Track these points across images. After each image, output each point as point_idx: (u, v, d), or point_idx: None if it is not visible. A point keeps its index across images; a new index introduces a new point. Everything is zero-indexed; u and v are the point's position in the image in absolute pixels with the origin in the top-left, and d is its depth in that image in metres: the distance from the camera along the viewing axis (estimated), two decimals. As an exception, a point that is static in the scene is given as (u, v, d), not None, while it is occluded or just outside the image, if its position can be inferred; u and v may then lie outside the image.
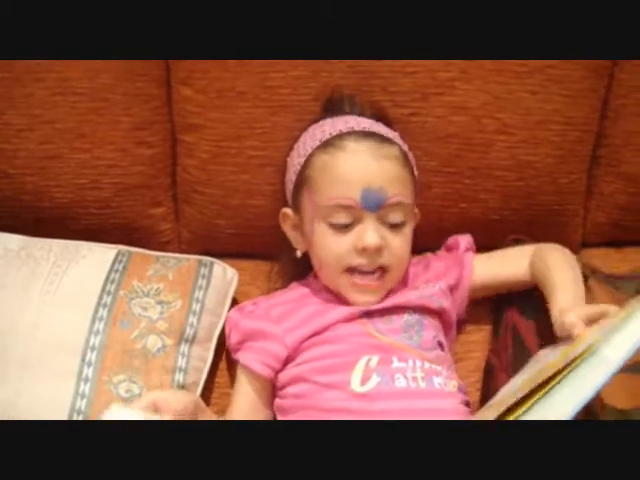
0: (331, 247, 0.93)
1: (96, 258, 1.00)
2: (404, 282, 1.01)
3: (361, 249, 0.91)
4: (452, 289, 1.03)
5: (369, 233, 0.91)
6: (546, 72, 1.04)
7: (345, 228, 0.92)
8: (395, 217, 0.93)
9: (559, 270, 0.96)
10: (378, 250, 0.91)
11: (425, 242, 1.08)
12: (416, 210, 1.01)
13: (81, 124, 1.05)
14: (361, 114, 0.98)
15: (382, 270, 0.93)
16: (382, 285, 0.94)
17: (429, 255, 1.08)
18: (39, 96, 1.04)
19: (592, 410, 0.87)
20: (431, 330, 0.97)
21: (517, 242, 1.07)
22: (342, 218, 0.92)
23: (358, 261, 0.92)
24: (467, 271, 1.03)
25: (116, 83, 1.05)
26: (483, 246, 1.09)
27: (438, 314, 0.99)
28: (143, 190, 1.10)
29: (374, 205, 0.91)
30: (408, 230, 0.95)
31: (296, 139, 1.02)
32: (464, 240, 1.06)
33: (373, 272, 0.93)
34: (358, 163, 0.93)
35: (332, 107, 1.00)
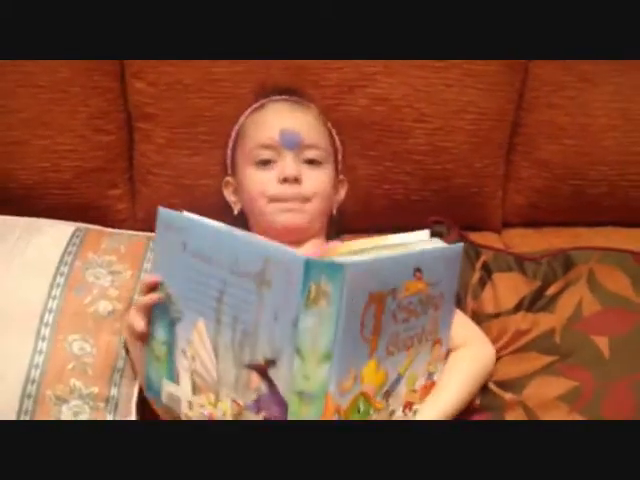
0: (257, 181, 1.12)
1: (56, 233, 1.15)
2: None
3: (282, 179, 1.10)
4: None
5: (287, 164, 1.10)
6: (462, 67, 1.20)
7: (268, 164, 1.12)
8: (311, 154, 1.12)
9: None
10: (297, 180, 1.10)
11: (356, 223, 1.25)
12: (342, 177, 1.19)
13: (43, 113, 1.20)
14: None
15: (304, 199, 1.11)
16: (303, 208, 1.11)
17: None
18: (3, 88, 1.19)
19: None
20: None
21: (437, 223, 1.21)
22: (265, 155, 1.12)
23: (279, 190, 1.11)
24: None
25: (74, 77, 1.20)
26: (406, 226, 1.23)
27: None
28: (101, 173, 1.26)
29: (291, 143, 1.11)
30: (325, 171, 1.14)
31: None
32: None
33: (295, 199, 1.11)
34: (276, 113, 1.15)
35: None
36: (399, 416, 0.96)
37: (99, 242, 1.16)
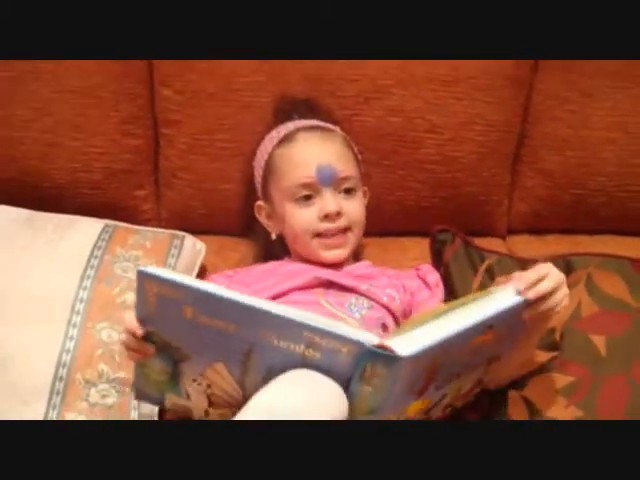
0: (300, 219, 1.18)
1: (87, 229, 1.25)
2: (366, 274, 1.22)
3: (324, 216, 1.16)
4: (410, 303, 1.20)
5: (328, 201, 1.16)
6: (470, 82, 1.29)
7: (308, 200, 1.17)
8: (346, 185, 1.18)
9: None
10: (338, 214, 1.17)
11: (369, 226, 1.30)
12: (365, 188, 1.26)
13: (76, 117, 1.29)
14: (302, 118, 1.23)
15: (345, 230, 1.18)
16: (346, 241, 1.19)
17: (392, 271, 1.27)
18: (40, 93, 1.28)
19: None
20: (377, 312, 1.15)
21: (443, 231, 1.29)
22: (304, 193, 1.17)
23: (324, 226, 1.17)
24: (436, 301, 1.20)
25: (106, 83, 1.29)
26: (417, 230, 1.35)
27: (386, 308, 1.16)
28: (129, 175, 1.35)
29: (328, 178, 1.16)
30: (359, 196, 1.21)
31: (258, 134, 1.26)
32: (433, 275, 1.24)
33: (338, 233, 1.18)
34: (309, 148, 1.19)
35: (280, 115, 1.25)
36: (437, 414, 1.01)
37: (126, 238, 1.25)
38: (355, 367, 0.86)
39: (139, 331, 0.93)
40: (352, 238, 1.20)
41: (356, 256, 1.27)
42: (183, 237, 1.29)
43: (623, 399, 1.10)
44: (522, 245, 1.39)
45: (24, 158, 1.31)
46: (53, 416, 1.09)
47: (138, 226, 1.31)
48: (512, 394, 1.12)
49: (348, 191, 1.19)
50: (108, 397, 1.11)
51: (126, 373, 1.12)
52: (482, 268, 1.25)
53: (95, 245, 1.22)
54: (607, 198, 1.35)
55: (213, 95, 1.29)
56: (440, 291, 1.21)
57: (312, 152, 1.19)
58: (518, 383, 1.13)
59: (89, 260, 1.20)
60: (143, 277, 0.89)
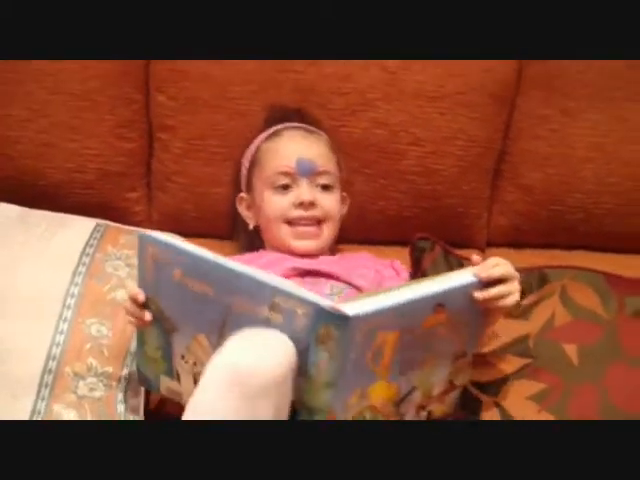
0: (275, 204, 1.25)
1: (79, 227, 1.29)
2: (341, 260, 1.30)
3: (298, 203, 1.23)
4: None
5: (303, 190, 1.24)
6: (455, 98, 1.34)
7: (285, 189, 1.25)
8: (323, 180, 1.25)
9: None
10: (312, 204, 1.23)
11: (352, 234, 1.38)
12: (344, 194, 1.32)
13: (73, 119, 1.34)
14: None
15: (317, 221, 1.25)
16: (318, 233, 1.25)
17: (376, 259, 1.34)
18: (39, 94, 1.32)
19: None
20: (351, 294, 1.20)
21: (423, 239, 1.33)
22: (282, 181, 1.25)
23: (296, 213, 1.24)
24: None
25: (103, 87, 1.34)
26: (398, 240, 1.39)
27: (359, 289, 1.23)
28: (121, 177, 1.39)
29: (306, 170, 1.24)
30: (335, 193, 1.27)
31: (249, 140, 1.32)
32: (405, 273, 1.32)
33: (311, 224, 1.24)
34: (292, 142, 1.28)
35: (272, 122, 1.31)
36: (411, 416, 1.05)
37: (118, 237, 1.29)
38: (311, 331, 0.92)
39: (140, 296, 1.03)
40: (326, 231, 1.27)
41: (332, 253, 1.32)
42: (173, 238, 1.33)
43: (593, 406, 1.15)
44: (500, 257, 1.41)
45: (20, 157, 1.35)
46: (41, 408, 1.12)
47: (129, 226, 1.35)
48: (485, 399, 1.17)
49: (325, 187, 1.27)
50: (96, 390, 1.15)
51: (114, 368, 1.16)
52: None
53: (87, 243, 1.26)
54: (584, 215, 1.40)
55: (207, 102, 1.34)
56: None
57: (295, 146, 1.28)
58: (491, 389, 1.18)
59: (81, 257, 1.24)
60: (143, 241, 1.02)
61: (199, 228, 1.41)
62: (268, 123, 1.32)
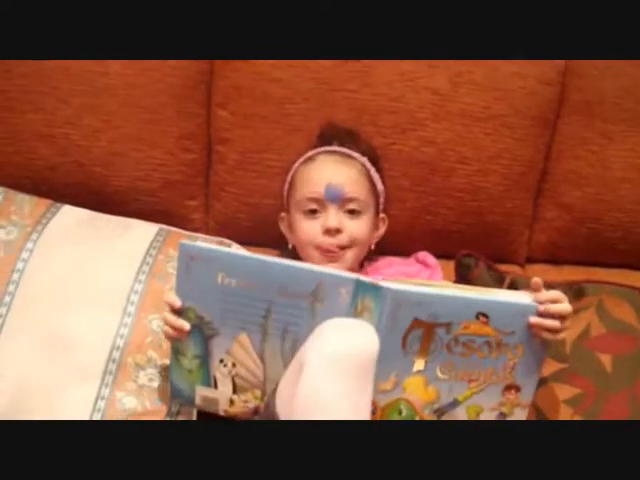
0: (304, 229, 1.33)
1: (143, 231, 1.39)
2: (370, 273, 1.36)
3: (325, 230, 1.30)
4: None
5: (331, 217, 1.30)
6: (500, 119, 1.43)
7: (313, 214, 1.32)
8: (352, 205, 1.31)
9: None
10: (338, 231, 1.30)
11: (399, 246, 1.47)
12: (383, 215, 1.40)
13: (140, 131, 1.44)
14: (342, 145, 1.37)
15: (343, 247, 1.31)
16: (342, 256, 1.32)
17: (396, 259, 1.44)
18: (111, 106, 1.43)
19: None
20: None
21: (467, 256, 1.41)
22: (311, 206, 1.32)
23: (325, 241, 1.31)
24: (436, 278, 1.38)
25: (170, 102, 1.44)
26: (444, 254, 1.46)
27: None
28: (183, 186, 1.49)
29: (334, 196, 1.30)
30: (364, 219, 1.33)
31: (302, 155, 1.40)
32: (432, 258, 1.41)
33: (337, 249, 1.31)
34: (323, 168, 1.34)
35: (323, 140, 1.39)
36: None
37: (178, 241, 1.37)
38: (351, 306, 1.02)
39: (177, 303, 1.12)
40: (350, 255, 1.33)
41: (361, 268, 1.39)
42: (230, 245, 1.43)
43: (625, 414, 1.22)
44: (539, 273, 1.46)
45: (91, 164, 1.45)
46: (105, 393, 1.21)
47: (189, 232, 1.45)
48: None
49: (353, 212, 1.32)
50: (154, 380, 1.24)
51: (171, 361, 1.26)
52: (506, 283, 1.37)
53: (151, 245, 1.36)
54: (623, 233, 1.48)
55: (265, 118, 1.44)
56: (439, 271, 1.37)
57: (325, 172, 1.34)
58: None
59: (145, 258, 1.34)
60: (184, 249, 1.10)
61: (252, 237, 1.50)
62: (320, 140, 1.40)
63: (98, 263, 1.32)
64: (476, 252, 1.42)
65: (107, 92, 1.42)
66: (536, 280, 1.09)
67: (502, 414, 1.12)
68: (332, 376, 0.96)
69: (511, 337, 1.07)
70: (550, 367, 1.26)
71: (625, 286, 1.37)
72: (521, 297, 1.09)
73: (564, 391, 1.24)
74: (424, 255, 1.40)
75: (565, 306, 1.09)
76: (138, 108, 1.44)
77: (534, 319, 1.06)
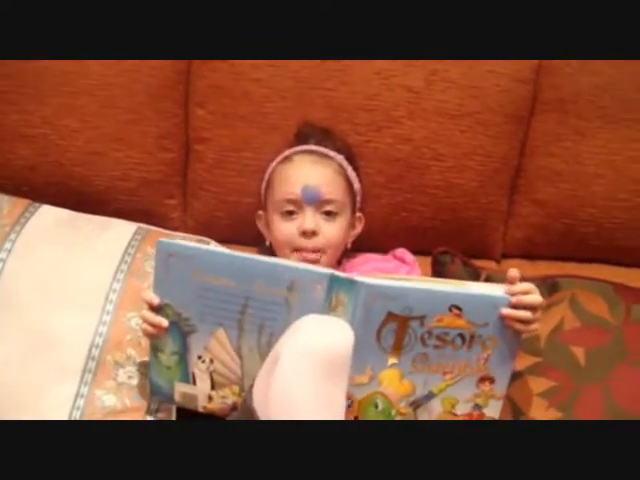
0: (281, 231, 1.34)
1: (122, 230, 1.40)
2: (347, 270, 1.38)
3: (302, 232, 1.31)
4: None
5: (307, 219, 1.31)
6: (474, 117, 1.45)
7: (290, 215, 1.33)
8: (328, 207, 1.32)
9: None
10: (314, 233, 1.31)
11: (375, 243, 1.48)
12: (359, 214, 1.41)
13: (119, 130, 1.46)
14: (318, 144, 1.37)
15: (320, 250, 1.32)
16: (320, 260, 1.32)
17: (374, 255, 1.45)
18: (91, 107, 1.44)
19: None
20: None
21: (443, 253, 1.44)
22: (288, 208, 1.33)
23: (301, 243, 1.32)
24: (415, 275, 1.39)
25: (149, 101, 1.45)
26: (420, 250, 1.48)
27: None
28: (161, 185, 1.51)
29: (311, 198, 1.31)
30: (340, 220, 1.34)
31: (280, 153, 1.41)
32: (410, 255, 1.43)
33: (313, 252, 1.32)
34: (300, 168, 1.35)
35: (300, 138, 1.40)
36: None
37: (157, 240, 1.39)
38: (326, 301, 1.05)
39: (156, 300, 1.14)
40: (324, 259, 1.34)
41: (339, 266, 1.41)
42: (208, 243, 1.44)
43: (599, 406, 1.24)
44: (515, 268, 1.50)
45: (70, 164, 1.46)
46: (84, 391, 1.22)
47: (168, 230, 1.46)
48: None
49: (329, 213, 1.33)
50: (133, 378, 1.25)
51: (150, 358, 1.27)
52: (482, 279, 1.40)
53: (129, 244, 1.37)
54: (596, 228, 1.50)
55: (243, 117, 1.45)
56: (417, 267, 1.38)
57: (302, 172, 1.34)
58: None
59: (123, 257, 1.35)
60: (161, 247, 1.12)
61: (231, 235, 1.51)
62: (297, 138, 1.41)
63: (77, 262, 1.33)
64: (452, 248, 1.44)
65: (86, 92, 1.44)
66: (512, 272, 1.12)
67: (477, 406, 1.13)
68: (305, 371, 0.98)
69: (484, 329, 1.09)
70: (525, 361, 1.28)
71: (598, 280, 1.40)
72: (494, 289, 1.11)
73: (539, 384, 1.26)
74: (402, 252, 1.42)
75: (536, 297, 1.11)
76: (117, 108, 1.45)
77: (506, 311, 1.09)
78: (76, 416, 1.20)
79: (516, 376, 1.26)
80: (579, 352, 1.28)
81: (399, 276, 1.19)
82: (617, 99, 1.46)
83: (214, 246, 1.44)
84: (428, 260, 1.46)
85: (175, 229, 1.52)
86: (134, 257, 1.35)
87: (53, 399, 1.21)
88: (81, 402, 1.22)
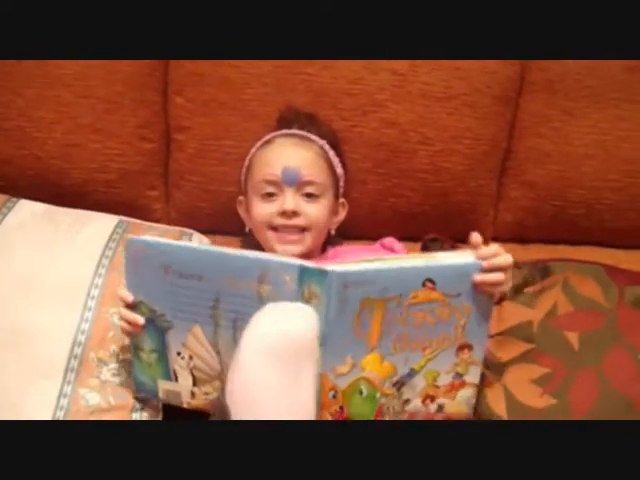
0: (260, 211, 1.32)
1: (103, 223, 1.37)
2: (332, 257, 1.36)
3: (282, 212, 1.29)
4: None
5: (287, 200, 1.29)
6: (461, 98, 1.42)
7: (270, 197, 1.31)
8: (309, 189, 1.30)
9: None
10: (295, 213, 1.29)
11: (363, 230, 1.47)
12: (342, 200, 1.39)
13: (97, 121, 1.42)
14: (301, 129, 1.35)
15: (301, 229, 1.30)
16: (301, 239, 1.31)
17: (360, 246, 1.44)
18: (67, 97, 1.41)
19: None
20: None
21: (433, 240, 1.41)
22: (268, 189, 1.30)
23: (279, 221, 1.30)
24: None
25: (126, 90, 1.42)
26: (408, 236, 1.46)
27: None
28: (142, 176, 1.47)
29: (291, 179, 1.29)
30: (322, 202, 1.32)
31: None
32: (398, 244, 1.40)
33: (294, 232, 1.30)
34: (280, 150, 1.33)
35: (283, 124, 1.37)
36: (417, 405, 1.13)
37: (139, 233, 1.37)
38: (298, 293, 1.01)
39: (130, 298, 1.12)
40: (309, 238, 1.32)
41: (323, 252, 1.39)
42: (191, 234, 1.42)
43: (593, 390, 1.22)
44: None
45: (47, 157, 1.43)
46: (68, 390, 1.19)
47: (150, 223, 1.43)
48: (492, 381, 1.24)
49: (310, 195, 1.31)
50: (118, 375, 1.22)
51: (135, 355, 1.24)
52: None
53: (110, 238, 1.34)
54: (586, 210, 1.48)
55: (223, 104, 1.42)
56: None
57: (282, 154, 1.32)
58: (498, 369, 1.25)
59: (104, 251, 1.32)
60: (131, 244, 1.10)
61: (214, 225, 1.49)
62: (280, 125, 1.39)
63: (57, 258, 1.29)
64: (441, 235, 1.42)
65: (61, 82, 1.40)
66: (475, 237, 1.11)
67: (458, 374, 1.13)
68: (262, 362, 0.95)
69: (458, 298, 1.08)
70: (518, 348, 1.26)
71: (590, 262, 1.38)
72: (463, 257, 1.10)
73: (532, 371, 1.24)
74: (391, 241, 1.39)
75: (507, 257, 1.11)
76: (94, 98, 1.41)
77: (479, 277, 1.08)
78: (60, 416, 1.17)
79: (509, 363, 1.25)
80: (573, 337, 1.26)
81: (368, 257, 1.17)
82: (604, 78, 1.44)
83: (197, 237, 1.43)
84: (417, 246, 1.44)
85: (157, 221, 1.49)
86: (115, 251, 1.32)
87: (34, 399, 1.17)
88: (65, 402, 1.18)
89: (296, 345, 0.97)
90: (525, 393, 1.23)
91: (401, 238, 1.46)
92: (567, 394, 1.21)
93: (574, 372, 1.23)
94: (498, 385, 1.24)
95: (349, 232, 1.43)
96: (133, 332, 1.14)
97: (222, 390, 1.04)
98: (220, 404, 1.05)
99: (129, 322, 1.13)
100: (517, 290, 1.32)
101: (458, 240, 1.42)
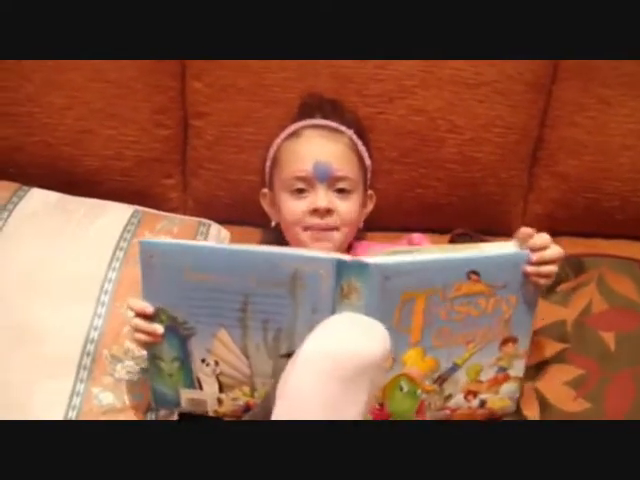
0: (291, 209, 1.25)
1: (117, 214, 1.32)
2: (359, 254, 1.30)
3: (313, 210, 1.23)
4: None
5: (320, 197, 1.23)
6: (492, 85, 1.36)
7: (301, 193, 1.24)
8: (341, 184, 1.24)
9: None
10: (328, 211, 1.23)
11: (388, 221, 1.41)
12: (370, 192, 1.33)
13: (110, 106, 1.37)
14: (325, 117, 1.28)
15: (334, 227, 1.24)
16: (335, 236, 1.25)
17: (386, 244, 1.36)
18: (77, 82, 1.35)
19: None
20: None
21: (461, 235, 1.36)
22: (299, 185, 1.24)
23: (313, 221, 1.24)
24: None
25: (140, 75, 1.36)
26: (435, 228, 1.41)
27: None
28: (158, 163, 1.42)
29: (323, 175, 1.23)
30: (354, 198, 1.26)
31: (283, 128, 1.31)
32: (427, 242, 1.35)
33: (327, 229, 1.24)
34: (311, 144, 1.26)
35: (305, 112, 1.31)
36: (459, 401, 1.09)
37: (155, 223, 1.32)
38: (335, 290, 0.96)
39: (149, 309, 1.05)
40: (338, 236, 1.26)
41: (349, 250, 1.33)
42: (209, 225, 1.36)
43: (630, 393, 1.17)
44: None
45: (58, 144, 1.38)
46: (80, 389, 1.15)
47: (166, 213, 1.38)
48: (525, 385, 1.18)
49: (342, 191, 1.25)
50: (132, 373, 1.17)
51: (150, 351, 1.19)
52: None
53: (125, 229, 1.29)
54: (621, 202, 1.42)
55: (243, 90, 1.36)
56: None
57: (313, 148, 1.26)
58: (529, 372, 1.18)
59: (118, 243, 1.27)
60: (145, 247, 1.02)
61: (232, 215, 1.44)
62: (302, 112, 1.33)
63: (69, 250, 1.25)
64: (470, 229, 1.37)
65: (72, 66, 1.34)
66: (525, 230, 1.07)
67: (501, 368, 1.10)
68: (317, 378, 0.89)
69: (504, 290, 1.04)
70: (551, 348, 1.20)
71: (624, 258, 1.32)
72: (507, 247, 1.07)
73: (566, 372, 1.18)
74: (419, 238, 1.32)
75: (558, 249, 1.08)
76: (106, 82, 1.36)
77: (530, 268, 1.04)
78: (72, 416, 1.13)
79: (542, 365, 1.20)
80: (609, 337, 1.20)
81: (406, 248, 1.12)
82: (640, 65, 1.38)
83: (215, 228, 1.37)
84: (444, 239, 1.39)
85: (174, 210, 1.44)
86: (130, 243, 1.27)
87: (44, 398, 1.13)
88: (77, 401, 1.14)
89: (363, 369, 0.90)
90: (558, 396, 1.17)
91: (427, 230, 1.41)
92: (603, 398, 1.16)
93: (610, 374, 1.18)
94: (530, 387, 1.18)
95: (373, 224, 1.37)
96: (151, 343, 1.07)
97: (272, 392, 0.97)
98: (264, 405, 1.00)
99: (147, 333, 1.06)
100: (549, 288, 1.25)
101: (486, 233, 1.37)
